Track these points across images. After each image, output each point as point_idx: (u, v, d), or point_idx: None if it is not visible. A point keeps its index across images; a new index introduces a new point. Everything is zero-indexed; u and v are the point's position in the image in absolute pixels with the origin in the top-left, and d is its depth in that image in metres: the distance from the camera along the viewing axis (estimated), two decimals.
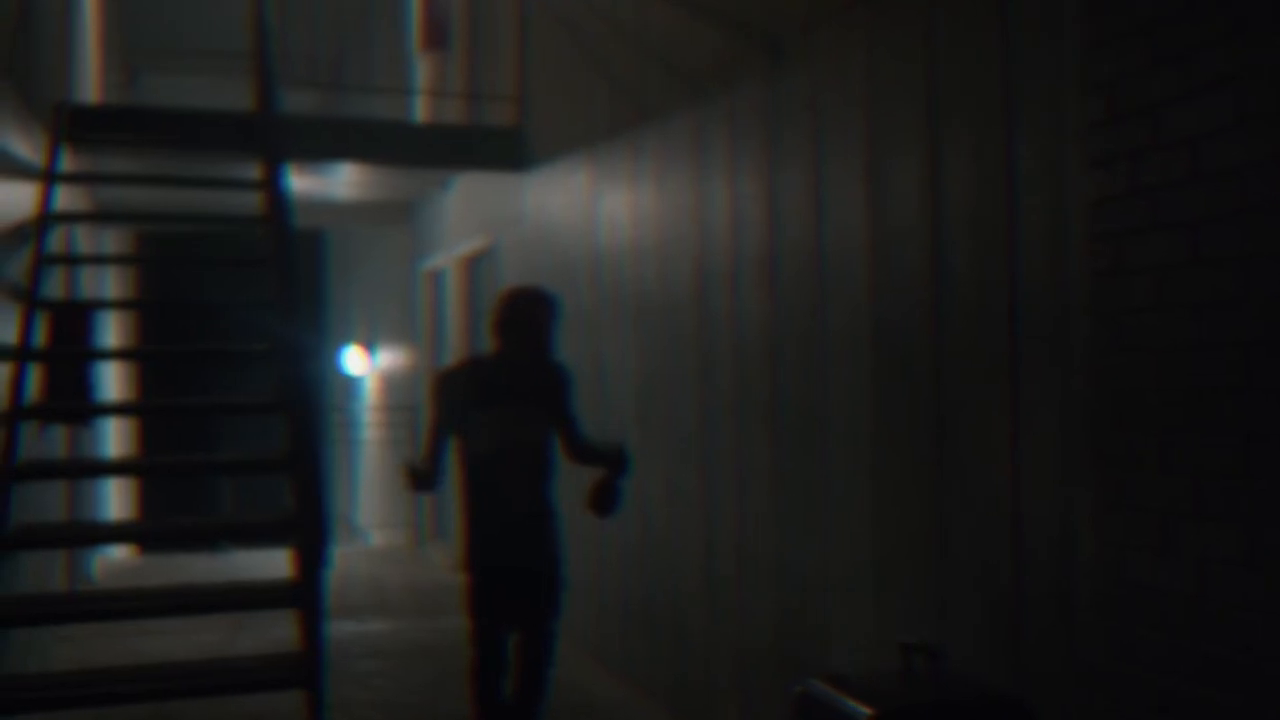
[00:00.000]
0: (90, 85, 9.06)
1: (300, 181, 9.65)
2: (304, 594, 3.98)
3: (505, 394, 4.32)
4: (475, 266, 9.58)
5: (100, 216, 6.04)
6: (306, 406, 4.23)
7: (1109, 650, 2.82)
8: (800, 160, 4.31)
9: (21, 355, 4.72)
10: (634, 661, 5.97)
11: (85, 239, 8.66)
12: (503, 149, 7.94)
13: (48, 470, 4.71)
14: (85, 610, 4.26)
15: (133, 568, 10.21)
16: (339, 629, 7.44)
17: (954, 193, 3.45)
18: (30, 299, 5.07)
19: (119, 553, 10.99)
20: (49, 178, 5.77)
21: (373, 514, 14.41)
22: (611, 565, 6.23)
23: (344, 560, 10.92)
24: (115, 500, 11.73)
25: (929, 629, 3.46)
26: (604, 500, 4.46)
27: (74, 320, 6.62)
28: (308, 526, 4.03)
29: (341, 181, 9.79)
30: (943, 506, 3.47)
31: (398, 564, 10.54)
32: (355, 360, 15.13)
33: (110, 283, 11.28)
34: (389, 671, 6.42)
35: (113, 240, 11.86)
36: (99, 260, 6.46)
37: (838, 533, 4.06)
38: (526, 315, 4.41)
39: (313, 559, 4.00)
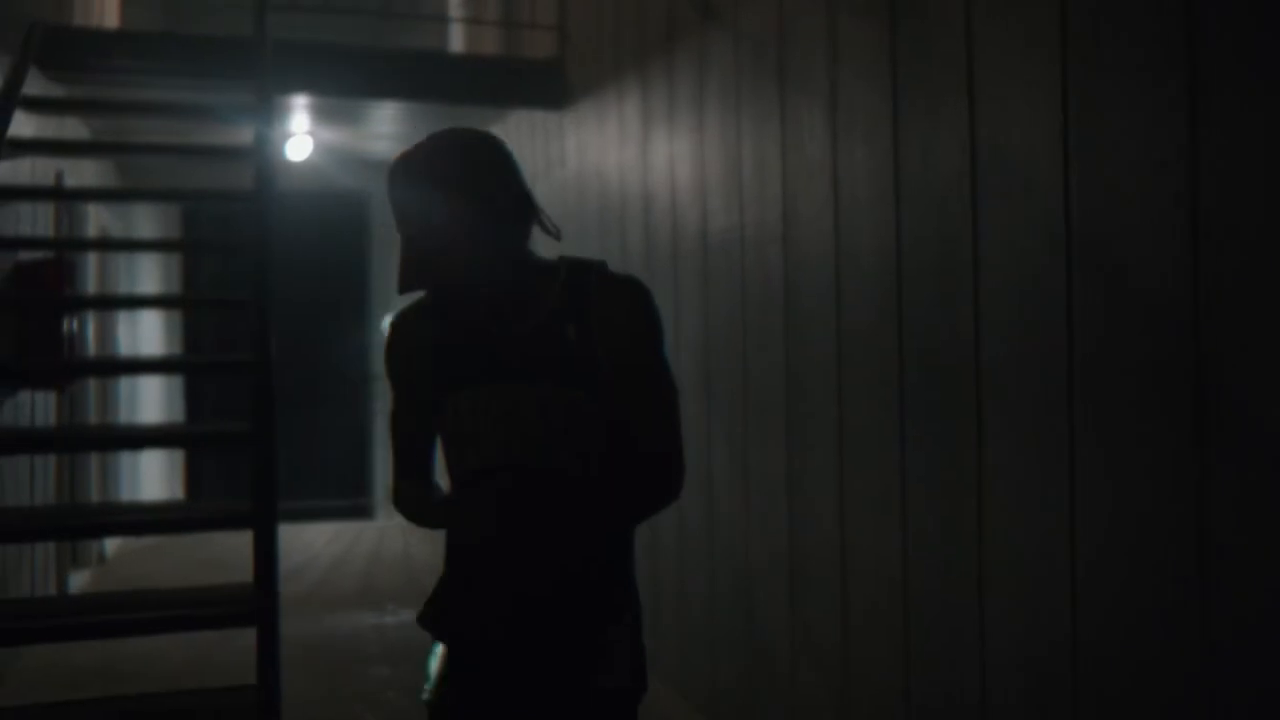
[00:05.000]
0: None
1: (335, 135, 8.43)
2: (258, 611, 2.71)
3: (498, 355, 1.95)
4: None
5: (43, 147, 4.76)
6: (267, 368, 2.94)
7: None
8: (945, 32, 2.95)
9: None
10: (695, 676, 4.65)
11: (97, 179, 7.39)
12: (542, 84, 6.59)
13: None
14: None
15: (151, 545, 8.98)
16: (358, 622, 6.20)
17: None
18: None
19: None
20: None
21: None
22: (666, 556, 4.90)
23: (376, 536, 9.70)
24: (155, 476, 10.42)
25: (1174, 682, 2.13)
26: None
27: (48, 269, 5.36)
28: (264, 517, 2.75)
29: (377, 135, 8.53)
30: (1206, 506, 2.13)
31: (430, 538, 9.27)
32: None
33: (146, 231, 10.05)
34: (403, 680, 5.12)
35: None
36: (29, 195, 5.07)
37: (1005, 535, 2.72)
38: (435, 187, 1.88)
39: (267, 562, 2.73)
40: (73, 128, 6.72)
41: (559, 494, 1.91)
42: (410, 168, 1.90)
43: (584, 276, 1.99)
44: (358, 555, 8.20)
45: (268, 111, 4.16)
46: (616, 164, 5.67)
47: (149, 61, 5.56)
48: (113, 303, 5.93)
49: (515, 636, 1.93)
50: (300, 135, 8.19)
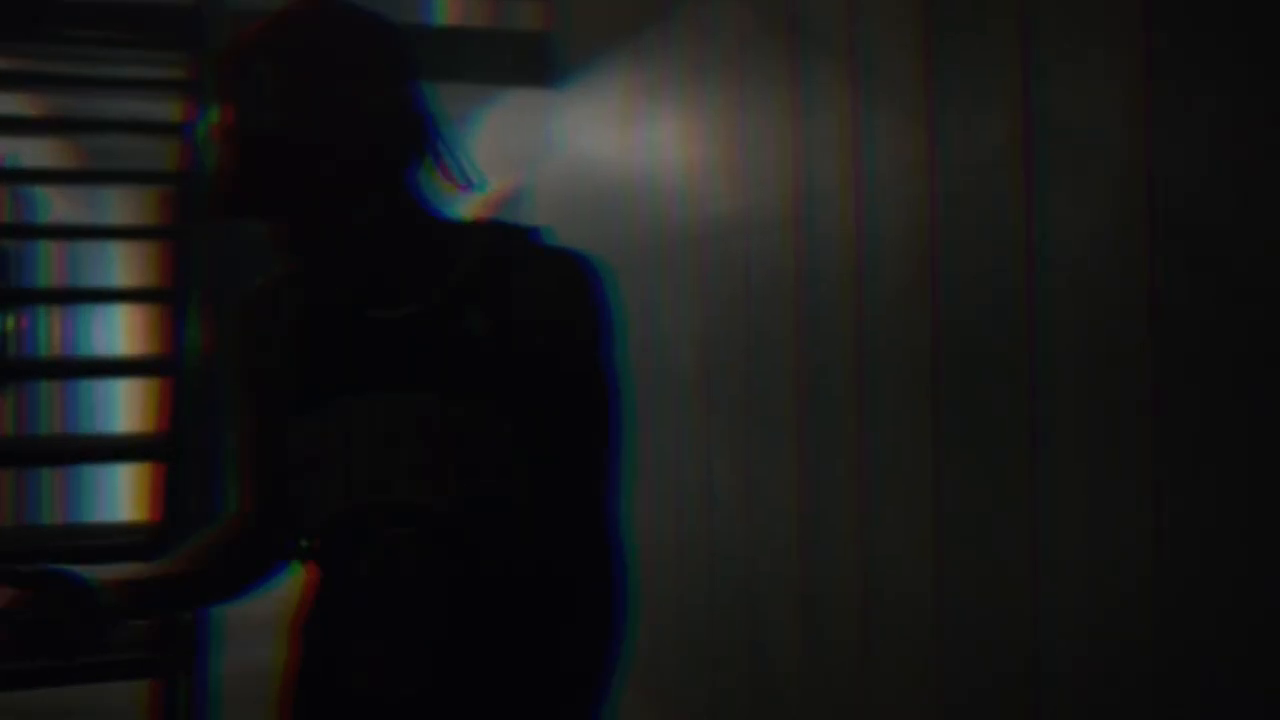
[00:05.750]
0: None
1: None
2: (158, 662, 2.21)
3: (370, 349, 1.27)
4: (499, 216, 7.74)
5: None
6: (177, 368, 2.44)
7: None
8: None
9: None
10: (692, 696, 4.15)
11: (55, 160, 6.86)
12: (531, 59, 6.08)
13: None
14: None
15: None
16: None
17: None
18: None
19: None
20: None
21: None
22: (665, 570, 4.39)
23: None
24: (128, 493, 9.78)
25: None
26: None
27: None
28: (167, 546, 2.25)
29: None
30: None
31: None
32: None
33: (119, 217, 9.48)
34: None
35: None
36: None
37: (1065, 561, 2.21)
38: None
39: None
40: (27, 107, 6.21)
41: (457, 553, 1.23)
42: (260, 48, 1.19)
43: (505, 245, 1.29)
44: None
45: (201, 87, 3.66)
46: (607, 149, 5.17)
47: (79, 30, 5.02)
48: (19, 297, 5.37)
49: None
50: None
